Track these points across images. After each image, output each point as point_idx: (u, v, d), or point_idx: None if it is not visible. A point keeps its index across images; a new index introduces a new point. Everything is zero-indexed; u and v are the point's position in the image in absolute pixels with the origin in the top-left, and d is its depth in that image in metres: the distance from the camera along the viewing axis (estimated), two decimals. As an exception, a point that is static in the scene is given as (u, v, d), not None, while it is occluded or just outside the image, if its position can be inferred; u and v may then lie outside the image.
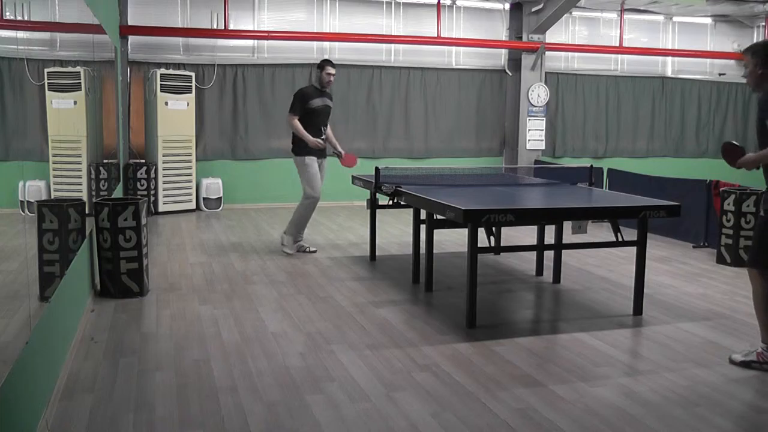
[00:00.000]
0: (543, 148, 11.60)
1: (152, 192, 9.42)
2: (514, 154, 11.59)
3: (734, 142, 4.22)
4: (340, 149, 7.19)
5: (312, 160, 6.85)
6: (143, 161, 9.77)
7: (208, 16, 10.21)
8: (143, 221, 5.32)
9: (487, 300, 5.27)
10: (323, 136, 6.95)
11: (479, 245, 4.56)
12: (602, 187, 8.53)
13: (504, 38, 11.59)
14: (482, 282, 5.22)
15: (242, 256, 6.91)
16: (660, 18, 12.50)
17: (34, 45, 3.54)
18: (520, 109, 11.50)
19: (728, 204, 6.79)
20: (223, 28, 10.15)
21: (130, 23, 9.74)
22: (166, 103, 9.55)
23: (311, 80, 8.30)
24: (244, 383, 3.62)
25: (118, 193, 7.84)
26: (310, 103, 6.82)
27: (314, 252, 7.08)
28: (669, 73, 12.70)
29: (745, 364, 4.02)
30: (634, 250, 4.98)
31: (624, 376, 3.82)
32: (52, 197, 3.80)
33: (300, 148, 6.87)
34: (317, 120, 6.90)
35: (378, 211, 6.68)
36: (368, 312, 4.98)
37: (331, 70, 6.93)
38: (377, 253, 6.87)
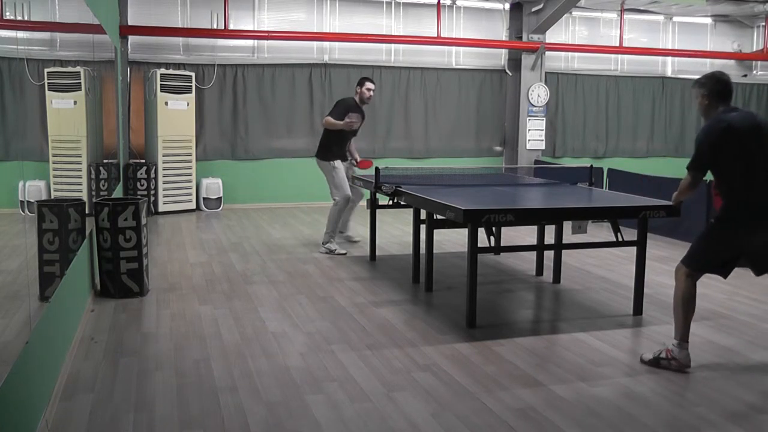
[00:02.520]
0: (543, 148, 11.59)
1: (152, 192, 9.42)
2: (514, 154, 11.59)
3: None
4: (356, 157, 7.47)
5: (339, 164, 7.04)
6: (143, 161, 9.77)
7: (208, 16, 10.21)
8: (143, 221, 5.32)
9: (487, 300, 5.27)
10: (347, 148, 7.26)
11: (479, 245, 4.56)
12: (602, 187, 8.52)
13: (504, 38, 11.59)
14: (482, 282, 5.22)
15: (242, 256, 6.91)
16: (660, 18, 12.50)
17: (34, 45, 3.54)
18: (520, 109, 11.50)
19: (728, 204, 6.78)
20: (223, 28, 10.14)
21: (130, 23, 9.73)
22: (166, 103, 9.55)
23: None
24: (244, 383, 3.62)
25: (118, 193, 7.84)
26: (349, 115, 6.97)
27: (358, 241, 7.49)
28: (669, 73, 12.69)
29: (654, 362, 3.97)
30: (634, 250, 4.98)
31: (624, 376, 3.82)
32: (52, 197, 3.80)
33: (327, 154, 7.04)
34: (349, 133, 7.15)
35: (378, 211, 6.69)
36: (368, 312, 4.98)
37: (371, 86, 7.13)
38: (377, 253, 6.87)
